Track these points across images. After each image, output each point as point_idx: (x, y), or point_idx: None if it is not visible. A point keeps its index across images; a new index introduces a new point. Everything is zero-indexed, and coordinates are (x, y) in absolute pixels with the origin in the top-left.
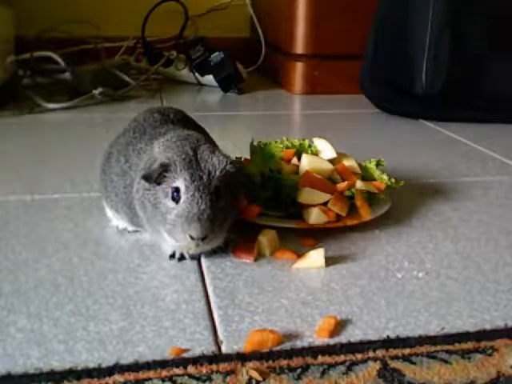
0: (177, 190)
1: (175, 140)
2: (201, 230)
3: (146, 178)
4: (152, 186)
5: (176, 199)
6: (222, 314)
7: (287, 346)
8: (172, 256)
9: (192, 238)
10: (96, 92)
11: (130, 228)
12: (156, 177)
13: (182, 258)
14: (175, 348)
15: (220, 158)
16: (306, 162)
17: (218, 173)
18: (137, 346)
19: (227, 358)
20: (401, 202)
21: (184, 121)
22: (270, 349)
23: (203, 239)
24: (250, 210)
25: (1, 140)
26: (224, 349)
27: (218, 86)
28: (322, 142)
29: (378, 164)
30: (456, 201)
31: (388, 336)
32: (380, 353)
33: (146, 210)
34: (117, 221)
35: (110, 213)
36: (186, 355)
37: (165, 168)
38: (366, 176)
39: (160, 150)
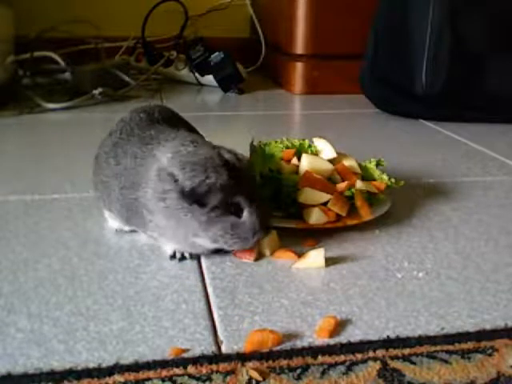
0: (237, 205)
1: (195, 155)
2: (261, 233)
3: (194, 199)
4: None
5: (239, 215)
6: (222, 314)
7: (287, 346)
8: (173, 256)
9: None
10: (96, 92)
11: (126, 228)
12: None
13: (182, 258)
14: (175, 348)
15: (244, 162)
16: (306, 162)
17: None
18: (137, 346)
19: (227, 358)
20: (401, 202)
21: (170, 119)
22: (269, 349)
23: None
24: None
25: (0, 140)
26: (224, 349)
27: (218, 86)
28: (321, 142)
29: (377, 164)
30: (456, 201)
31: (388, 336)
32: (380, 353)
33: (178, 219)
34: (112, 220)
35: (106, 213)
36: (185, 355)
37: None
38: (366, 176)
39: (185, 170)
